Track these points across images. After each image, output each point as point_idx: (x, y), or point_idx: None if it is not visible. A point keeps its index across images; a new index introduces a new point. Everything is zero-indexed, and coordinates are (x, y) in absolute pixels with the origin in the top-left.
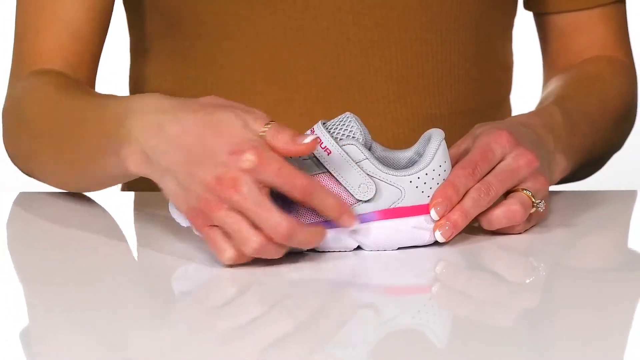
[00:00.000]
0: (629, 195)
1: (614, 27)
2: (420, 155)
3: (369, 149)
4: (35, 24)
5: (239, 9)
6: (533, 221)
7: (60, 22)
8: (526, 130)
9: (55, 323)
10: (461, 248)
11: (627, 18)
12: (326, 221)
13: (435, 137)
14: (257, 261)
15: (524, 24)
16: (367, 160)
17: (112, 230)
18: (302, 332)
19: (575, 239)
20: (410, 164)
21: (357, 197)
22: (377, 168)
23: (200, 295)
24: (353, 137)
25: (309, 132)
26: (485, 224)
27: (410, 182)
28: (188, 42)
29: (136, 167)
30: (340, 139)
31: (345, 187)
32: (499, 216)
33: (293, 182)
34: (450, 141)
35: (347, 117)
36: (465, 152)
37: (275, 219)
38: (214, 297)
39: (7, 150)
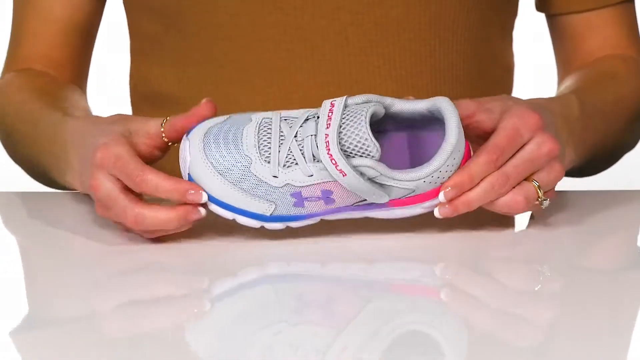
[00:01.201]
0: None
1: (626, 27)
2: (433, 113)
3: (385, 117)
4: (21, 24)
5: (238, 8)
6: (532, 209)
7: (42, 24)
8: (551, 118)
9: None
10: (467, 245)
11: (637, 18)
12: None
13: (451, 134)
14: (259, 259)
15: (526, 25)
16: (381, 175)
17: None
18: (309, 329)
19: (585, 239)
20: (426, 119)
21: (370, 201)
22: (391, 178)
23: (205, 292)
24: (368, 155)
25: (328, 105)
26: (486, 205)
27: (424, 181)
28: (187, 41)
29: (80, 189)
30: (354, 156)
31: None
32: (500, 204)
33: (125, 172)
34: None
35: (361, 122)
36: (488, 115)
37: (120, 209)
38: (219, 293)
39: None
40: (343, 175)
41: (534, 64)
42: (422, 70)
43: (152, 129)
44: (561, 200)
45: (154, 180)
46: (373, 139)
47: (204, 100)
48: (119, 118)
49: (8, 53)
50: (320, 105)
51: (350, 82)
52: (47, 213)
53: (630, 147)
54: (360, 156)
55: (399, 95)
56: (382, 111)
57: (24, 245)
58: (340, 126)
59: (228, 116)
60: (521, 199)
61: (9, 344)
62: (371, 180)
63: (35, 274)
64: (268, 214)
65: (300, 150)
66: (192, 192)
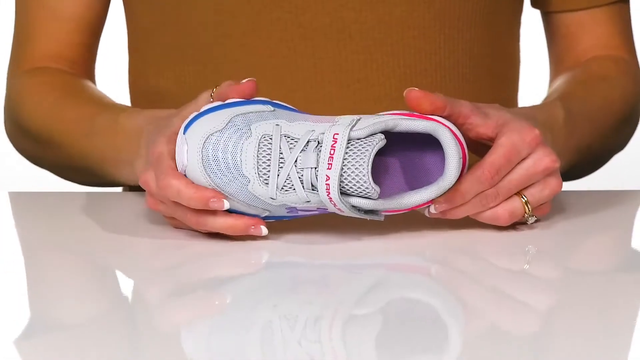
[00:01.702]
0: (634, 195)
1: (619, 27)
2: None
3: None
4: (31, 23)
5: (238, 6)
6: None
7: (55, 24)
8: (541, 128)
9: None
10: (461, 243)
11: (631, 18)
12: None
13: (449, 174)
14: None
15: (532, 22)
16: (376, 206)
17: (125, 231)
18: (304, 300)
19: (579, 238)
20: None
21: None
22: (386, 207)
23: (210, 282)
24: (367, 197)
25: (330, 138)
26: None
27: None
28: (186, 39)
29: None
30: (353, 195)
31: None
32: (484, 216)
33: (155, 174)
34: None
35: (363, 165)
36: (484, 119)
37: (182, 210)
38: (215, 283)
39: (12, 144)
40: (340, 212)
41: (542, 60)
42: (426, 68)
43: (201, 102)
44: (556, 200)
45: (176, 186)
46: (373, 184)
47: (245, 82)
48: (173, 111)
49: (16, 52)
50: (321, 105)
51: (353, 81)
52: (56, 213)
53: (617, 150)
54: (359, 196)
55: (402, 94)
56: (383, 144)
57: (29, 246)
58: (342, 168)
59: (228, 120)
60: (506, 215)
61: (13, 347)
62: (367, 210)
63: (38, 276)
64: (262, 216)
65: (300, 178)
66: (214, 200)
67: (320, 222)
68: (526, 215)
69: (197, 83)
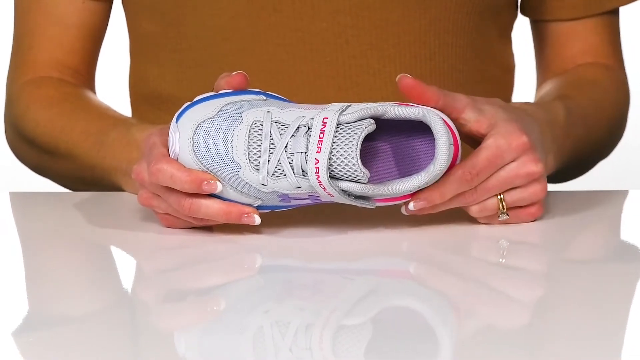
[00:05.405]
0: (620, 195)
1: (609, 36)
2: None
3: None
4: (33, 29)
5: (237, 10)
6: (496, 222)
7: (58, 30)
8: (536, 128)
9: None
10: (452, 241)
11: (620, 30)
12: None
13: (440, 159)
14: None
15: (528, 27)
16: (366, 191)
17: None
18: (296, 306)
19: (569, 238)
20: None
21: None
22: (377, 193)
23: (203, 286)
24: (357, 180)
25: (320, 122)
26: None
27: (409, 192)
28: (186, 43)
29: None
30: (342, 179)
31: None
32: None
33: (147, 160)
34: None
35: (352, 149)
36: (477, 117)
37: (175, 197)
38: (206, 287)
39: (13, 153)
40: (331, 196)
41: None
42: (422, 73)
43: None
44: (548, 201)
45: (169, 170)
46: (362, 167)
47: (235, 74)
48: None
49: (17, 59)
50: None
51: (350, 85)
52: (56, 213)
53: (603, 155)
54: (349, 180)
55: (399, 98)
56: (373, 128)
57: (28, 246)
58: (331, 152)
59: (220, 108)
60: (476, 207)
61: (12, 346)
62: (358, 196)
63: (38, 276)
64: (254, 206)
65: (290, 163)
66: (207, 182)
67: (315, 223)
68: (499, 212)
69: (197, 86)
